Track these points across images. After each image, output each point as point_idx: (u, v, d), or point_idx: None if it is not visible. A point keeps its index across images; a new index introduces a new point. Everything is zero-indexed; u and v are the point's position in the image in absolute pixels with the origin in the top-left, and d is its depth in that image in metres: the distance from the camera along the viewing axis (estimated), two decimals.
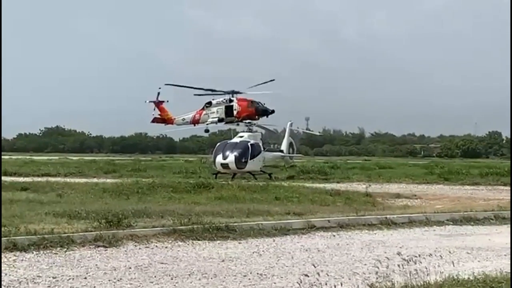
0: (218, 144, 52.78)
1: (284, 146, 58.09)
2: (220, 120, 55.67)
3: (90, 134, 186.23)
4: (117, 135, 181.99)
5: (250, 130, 53.27)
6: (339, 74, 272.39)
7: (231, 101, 55.13)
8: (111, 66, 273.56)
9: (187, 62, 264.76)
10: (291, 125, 60.80)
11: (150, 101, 58.39)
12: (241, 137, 52.44)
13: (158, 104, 58.29)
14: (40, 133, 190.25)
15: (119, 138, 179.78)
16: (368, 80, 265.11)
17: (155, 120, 59.57)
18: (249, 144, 50.54)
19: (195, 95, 56.74)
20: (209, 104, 56.22)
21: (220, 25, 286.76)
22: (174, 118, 58.61)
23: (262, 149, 51.87)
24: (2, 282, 11.76)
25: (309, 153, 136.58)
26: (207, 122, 56.34)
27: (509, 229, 19.49)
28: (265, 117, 55.86)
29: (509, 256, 14.37)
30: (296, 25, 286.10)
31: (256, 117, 54.92)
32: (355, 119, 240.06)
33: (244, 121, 54.48)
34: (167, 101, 58.79)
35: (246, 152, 49.83)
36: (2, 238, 14.72)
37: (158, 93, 58.17)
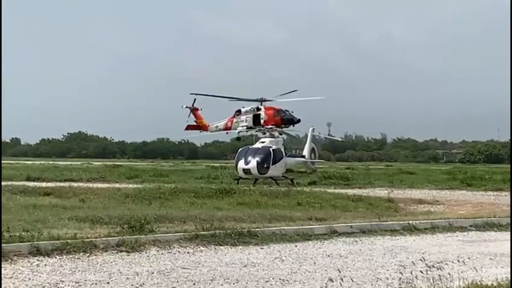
0: (240, 149, 52.69)
1: (306, 151, 58.00)
2: (249, 128, 56.08)
3: (113, 139, 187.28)
4: (139, 140, 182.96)
5: (272, 136, 53.17)
6: (359, 79, 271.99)
7: (258, 109, 55.47)
8: (131, 73, 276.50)
9: (206, 69, 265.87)
10: (313, 130, 60.63)
11: (187, 107, 59.25)
12: (263, 142, 52.33)
13: (194, 110, 59.18)
14: (63, 138, 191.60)
15: (141, 144, 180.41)
16: (389, 86, 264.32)
17: (189, 128, 60.41)
18: (271, 149, 50.40)
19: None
20: (238, 112, 56.84)
21: (238, 31, 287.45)
22: (209, 125, 59.51)
23: (284, 154, 51.73)
24: (26, 287, 11.86)
25: (331, 159, 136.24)
26: (238, 130, 56.96)
27: None
28: (292, 125, 56.03)
29: None
30: (314, 30, 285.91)
31: (283, 126, 55.06)
32: (377, 125, 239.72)
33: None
34: (201, 109, 59.84)
35: (268, 158, 49.68)
36: (26, 243, 14.85)
37: (194, 100, 59.08)
